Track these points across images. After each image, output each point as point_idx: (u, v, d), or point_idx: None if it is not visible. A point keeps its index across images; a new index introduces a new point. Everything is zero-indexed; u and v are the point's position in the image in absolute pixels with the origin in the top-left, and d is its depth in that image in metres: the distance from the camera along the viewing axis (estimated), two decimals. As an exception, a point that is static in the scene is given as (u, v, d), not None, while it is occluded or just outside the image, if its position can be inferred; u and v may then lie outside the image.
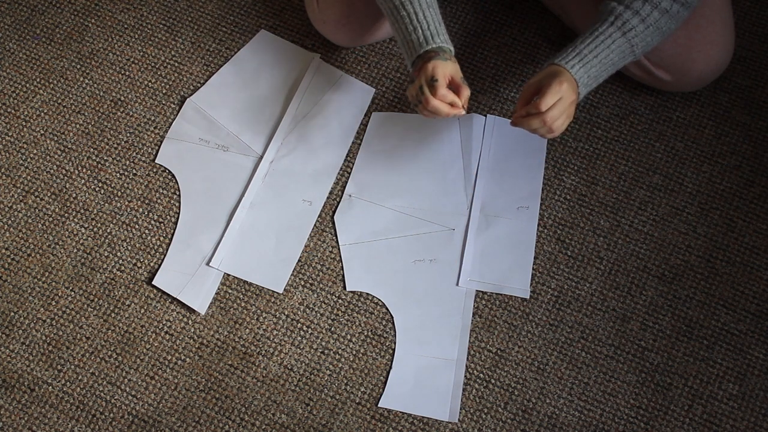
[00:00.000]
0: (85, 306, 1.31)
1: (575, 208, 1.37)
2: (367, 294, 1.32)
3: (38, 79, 1.47)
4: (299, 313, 1.31)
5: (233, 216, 1.36)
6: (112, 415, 1.25)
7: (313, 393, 1.26)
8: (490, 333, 1.29)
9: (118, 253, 1.34)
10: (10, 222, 1.36)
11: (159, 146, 1.41)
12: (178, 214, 1.37)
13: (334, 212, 1.37)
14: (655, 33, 1.17)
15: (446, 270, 1.33)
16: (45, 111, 1.44)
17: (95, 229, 1.36)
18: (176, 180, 1.39)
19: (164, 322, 1.30)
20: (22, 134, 1.42)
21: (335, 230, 1.36)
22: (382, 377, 1.27)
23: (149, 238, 1.35)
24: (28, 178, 1.39)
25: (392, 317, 1.30)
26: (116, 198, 1.38)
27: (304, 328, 1.30)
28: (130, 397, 1.26)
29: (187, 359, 1.28)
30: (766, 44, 1.48)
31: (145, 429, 1.24)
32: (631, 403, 1.25)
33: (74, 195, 1.38)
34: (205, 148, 1.41)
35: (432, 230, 1.35)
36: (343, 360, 1.28)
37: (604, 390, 1.26)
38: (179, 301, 1.31)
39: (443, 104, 1.16)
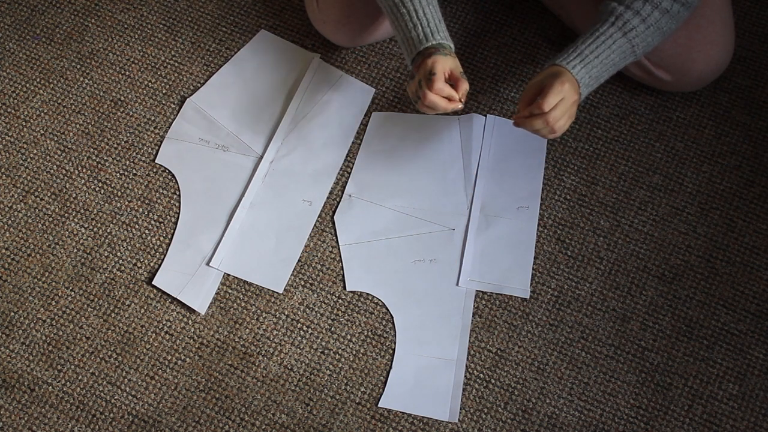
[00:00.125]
0: (85, 306, 1.31)
1: (575, 208, 1.37)
2: (367, 294, 1.32)
3: (38, 79, 1.47)
4: (299, 313, 1.31)
5: (233, 216, 1.36)
6: (112, 415, 1.25)
7: (313, 393, 1.26)
8: (490, 333, 1.29)
9: (118, 253, 1.34)
10: (10, 222, 1.36)
11: (159, 146, 1.41)
12: (178, 214, 1.37)
13: (334, 212, 1.37)
14: (656, 33, 1.17)
15: (446, 270, 1.33)
16: (45, 111, 1.44)
17: (95, 229, 1.36)
18: (176, 180, 1.39)
19: (164, 322, 1.30)
20: (22, 134, 1.42)
21: (335, 230, 1.36)
22: (382, 377, 1.27)
23: (149, 238, 1.35)
24: (28, 178, 1.39)
25: (392, 317, 1.30)
26: (116, 198, 1.38)
27: (304, 328, 1.30)
28: (130, 397, 1.26)
29: (187, 359, 1.28)
30: (766, 44, 1.48)
31: (145, 429, 1.24)
32: (631, 403, 1.25)
33: (74, 195, 1.38)
34: (205, 148, 1.41)
35: (432, 230, 1.35)
36: (343, 360, 1.28)
37: (604, 390, 1.26)
38: (179, 301, 1.31)
39: (440, 98, 1.16)
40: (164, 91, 1.46)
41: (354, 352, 1.28)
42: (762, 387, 1.25)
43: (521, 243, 1.34)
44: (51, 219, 1.36)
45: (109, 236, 1.35)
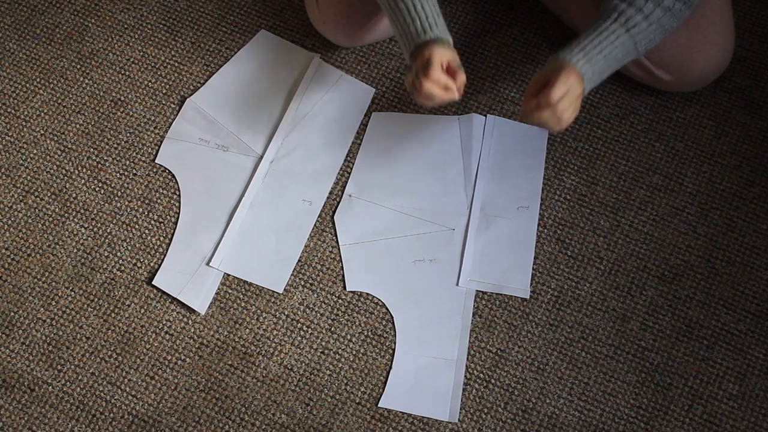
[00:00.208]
0: (85, 306, 1.31)
1: (575, 208, 1.37)
2: (367, 294, 1.32)
3: (38, 79, 1.47)
4: (299, 313, 1.31)
5: (233, 216, 1.36)
6: (112, 415, 1.25)
7: (313, 393, 1.26)
8: (490, 333, 1.29)
9: (118, 253, 1.34)
10: (10, 222, 1.36)
11: (159, 146, 1.41)
12: (178, 214, 1.37)
13: (334, 212, 1.37)
14: (658, 30, 1.17)
15: (446, 270, 1.33)
16: (45, 111, 1.44)
17: (95, 229, 1.36)
18: (176, 180, 1.39)
19: (164, 322, 1.30)
20: (22, 134, 1.42)
21: (335, 230, 1.36)
22: (382, 377, 1.27)
23: (149, 238, 1.35)
24: (28, 178, 1.39)
25: (392, 317, 1.30)
26: (116, 198, 1.38)
27: (304, 328, 1.30)
28: (130, 397, 1.26)
29: (187, 359, 1.28)
30: (766, 44, 1.48)
31: (145, 429, 1.24)
32: (631, 403, 1.25)
33: (74, 195, 1.38)
34: (205, 148, 1.41)
35: (432, 230, 1.35)
36: (343, 360, 1.28)
37: (604, 390, 1.26)
38: (179, 301, 1.31)
39: (436, 87, 1.14)
40: (164, 91, 1.46)
41: (354, 352, 1.28)
42: (762, 387, 1.25)
43: (521, 243, 1.34)
44: (51, 219, 1.36)
45: (109, 236, 1.35)
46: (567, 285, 1.32)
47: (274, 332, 1.30)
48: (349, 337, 1.29)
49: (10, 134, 1.42)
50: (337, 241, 1.35)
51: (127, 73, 1.47)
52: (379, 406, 1.25)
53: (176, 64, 1.48)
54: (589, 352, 1.28)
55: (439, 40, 1.16)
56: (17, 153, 1.41)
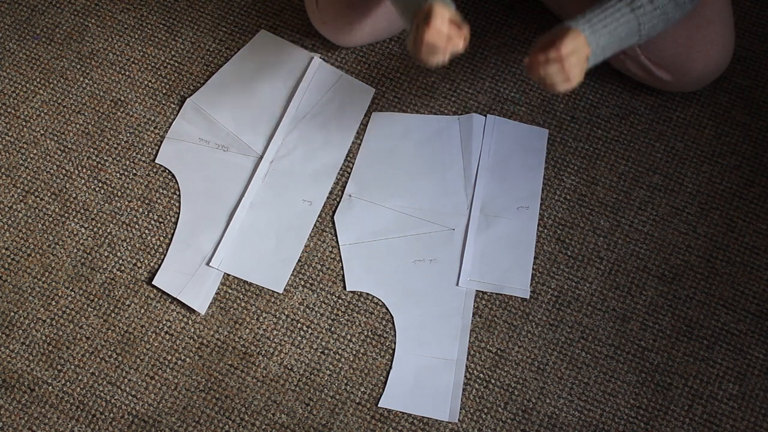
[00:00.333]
0: (85, 306, 1.31)
1: (575, 208, 1.37)
2: (367, 294, 1.32)
3: (38, 79, 1.47)
4: (299, 313, 1.31)
5: (233, 216, 1.36)
6: (112, 415, 1.25)
7: (313, 393, 1.26)
8: (490, 333, 1.29)
9: (118, 253, 1.34)
10: (10, 222, 1.36)
11: (159, 146, 1.41)
12: (178, 214, 1.37)
13: (334, 212, 1.37)
14: (661, 17, 1.17)
15: (446, 270, 1.33)
16: (45, 111, 1.44)
17: (95, 229, 1.36)
18: (176, 180, 1.39)
19: (164, 322, 1.30)
20: (22, 134, 1.42)
21: (335, 230, 1.36)
22: (382, 377, 1.27)
23: (149, 238, 1.35)
24: (28, 178, 1.39)
25: (392, 317, 1.30)
26: (116, 198, 1.38)
27: (304, 328, 1.30)
28: (130, 397, 1.26)
29: (187, 359, 1.28)
30: (766, 44, 1.48)
31: (145, 429, 1.24)
32: (631, 403, 1.25)
33: (74, 195, 1.38)
34: (205, 148, 1.41)
35: (432, 230, 1.35)
36: (343, 360, 1.28)
37: (604, 390, 1.26)
38: (179, 301, 1.31)
39: (439, 36, 1.09)
40: (164, 91, 1.46)
41: (354, 352, 1.28)
42: (762, 387, 1.25)
43: (521, 243, 1.34)
44: (51, 219, 1.36)
45: (109, 236, 1.35)
46: (567, 285, 1.32)
47: (274, 332, 1.30)
48: (349, 337, 1.29)
49: (10, 134, 1.42)
50: (337, 241, 1.35)
51: (127, 73, 1.47)
52: (379, 406, 1.25)
53: (176, 64, 1.48)
54: (589, 352, 1.28)
55: (440, 1, 1.12)
56: (17, 153, 1.41)
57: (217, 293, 1.32)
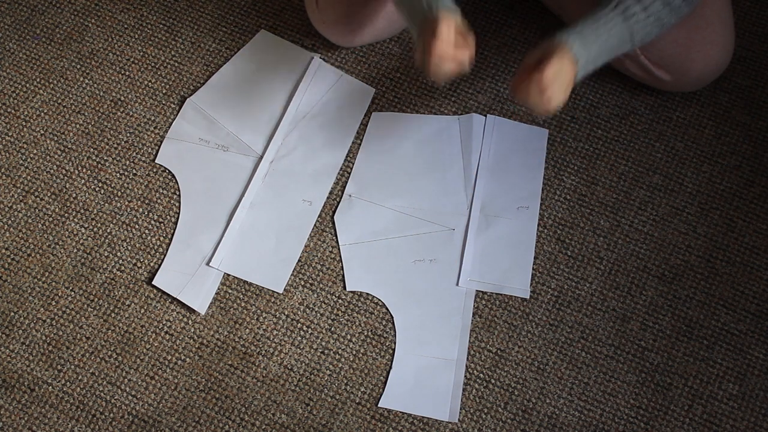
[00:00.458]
0: (85, 306, 1.31)
1: (575, 208, 1.37)
2: (367, 294, 1.32)
3: (38, 79, 1.47)
4: (299, 313, 1.31)
5: (233, 216, 1.36)
6: (112, 415, 1.25)
7: (313, 393, 1.26)
8: (490, 333, 1.29)
9: (118, 253, 1.34)
10: (10, 222, 1.36)
11: (159, 146, 1.41)
12: (178, 214, 1.37)
13: (334, 212, 1.37)
14: (655, 23, 1.17)
15: (446, 270, 1.33)
16: (45, 111, 1.44)
17: (95, 229, 1.36)
18: (176, 180, 1.39)
19: (164, 322, 1.30)
20: (22, 134, 1.42)
21: (335, 230, 1.36)
22: (382, 377, 1.27)
23: (149, 238, 1.35)
24: (28, 178, 1.39)
25: (392, 317, 1.30)
26: (116, 198, 1.38)
27: (304, 328, 1.30)
28: (130, 397, 1.26)
29: (187, 359, 1.28)
30: (766, 44, 1.48)
31: (145, 429, 1.24)
32: (631, 403, 1.25)
33: (74, 195, 1.38)
34: (205, 148, 1.41)
35: (432, 230, 1.35)
36: (343, 360, 1.28)
37: (604, 390, 1.26)
38: (179, 301, 1.31)
39: (449, 47, 1.10)
40: (164, 91, 1.46)
41: (354, 352, 1.28)
42: (762, 387, 1.25)
43: (521, 243, 1.34)
44: (51, 219, 1.36)
45: (109, 236, 1.35)
46: (567, 285, 1.32)
47: (274, 332, 1.30)
48: (349, 337, 1.29)
49: (10, 134, 1.42)
50: (337, 241, 1.35)
51: (127, 73, 1.47)
52: (379, 406, 1.25)
53: (176, 64, 1.48)
54: (589, 352, 1.28)
55: (446, 9, 1.13)
56: (17, 153, 1.41)
57: (217, 293, 1.32)
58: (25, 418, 1.24)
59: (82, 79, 1.47)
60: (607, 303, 1.31)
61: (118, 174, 1.40)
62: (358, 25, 1.39)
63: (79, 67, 1.48)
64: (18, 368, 1.27)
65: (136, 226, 1.36)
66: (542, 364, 1.27)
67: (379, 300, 1.31)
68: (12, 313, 1.30)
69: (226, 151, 1.41)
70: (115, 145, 1.42)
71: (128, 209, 1.37)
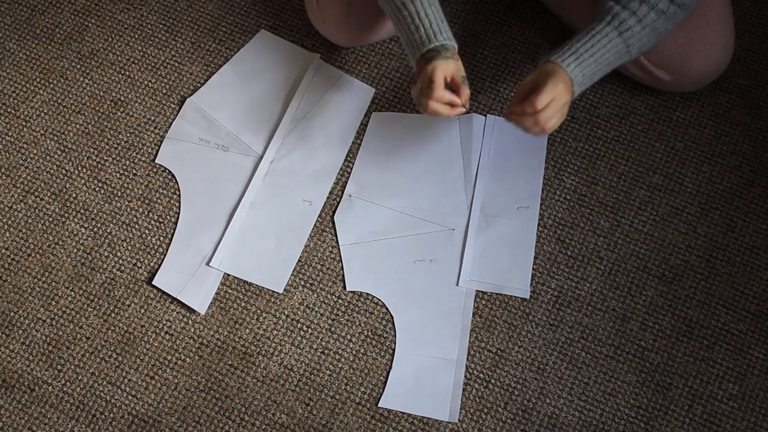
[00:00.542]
0: (85, 306, 1.31)
1: (575, 208, 1.37)
2: (367, 294, 1.32)
3: (38, 79, 1.47)
4: (299, 313, 1.31)
5: (233, 216, 1.36)
6: (112, 415, 1.25)
7: (313, 393, 1.26)
8: (490, 333, 1.29)
9: (118, 253, 1.34)
10: (10, 222, 1.36)
11: (159, 146, 1.41)
12: (178, 214, 1.37)
13: (334, 212, 1.37)
14: (651, 33, 1.17)
15: (446, 270, 1.33)
16: (45, 111, 1.44)
17: (95, 229, 1.36)
18: (176, 180, 1.39)
19: (164, 322, 1.30)
20: (22, 134, 1.43)
21: (335, 230, 1.36)
22: (382, 377, 1.27)
23: (149, 238, 1.35)
24: (28, 178, 1.39)
25: (392, 317, 1.30)
26: (116, 198, 1.38)
27: (304, 328, 1.30)
28: (130, 397, 1.26)
29: (187, 359, 1.28)
30: (766, 44, 1.48)
31: (145, 429, 1.24)
32: (631, 403, 1.25)
33: (74, 195, 1.38)
34: (205, 148, 1.41)
35: (432, 230, 1.35)
36: (343, 360, 1.28)
37: (604, 390, 1.26)
38: (179, 301, 1.31)
39: (441, 105, 1.16)
40: (164, 91, 1.46)
41: (354, 352, 1.28)
42: (762, 387, 1.25)
43: (521, 243, 1.34)
44: (51, 219, 1.36)
45: (109, 236, 1.35)
46: (567, 285, 1.32)
47: (274, 332, 1.30)
48: (349, 337, 1.29)
49: (10, 134, 1.42)
50: (337, 241, 1.35)
51: (127, 73, 1.47)
52: (379, 406, 1.25)
53: (176, 64, 1.48)
54: (589, 352, 1.28)
55: (444, 48, 1.16)
56: (17, 153, 1.41)
57: (217, 293, 1.32)
58: (25, 418, 1.24)
59: (82, 79, 1.47)
60: (607, 303, 1.31)
61: (118, 174, 1.40)
62: (358, 25, 1.39)
63: (79, 67, 1.48)
64: (18, 368, 1.27)
65: (136, 226, 1.36)
66: (542, 364, 1.27)
67: (379, 300, 1.31)
68: (12, 313, 1.30)
69: (226, 151, 1.41)
70: (115, 145, 1.42)
71: (128, 209, 1.37)
